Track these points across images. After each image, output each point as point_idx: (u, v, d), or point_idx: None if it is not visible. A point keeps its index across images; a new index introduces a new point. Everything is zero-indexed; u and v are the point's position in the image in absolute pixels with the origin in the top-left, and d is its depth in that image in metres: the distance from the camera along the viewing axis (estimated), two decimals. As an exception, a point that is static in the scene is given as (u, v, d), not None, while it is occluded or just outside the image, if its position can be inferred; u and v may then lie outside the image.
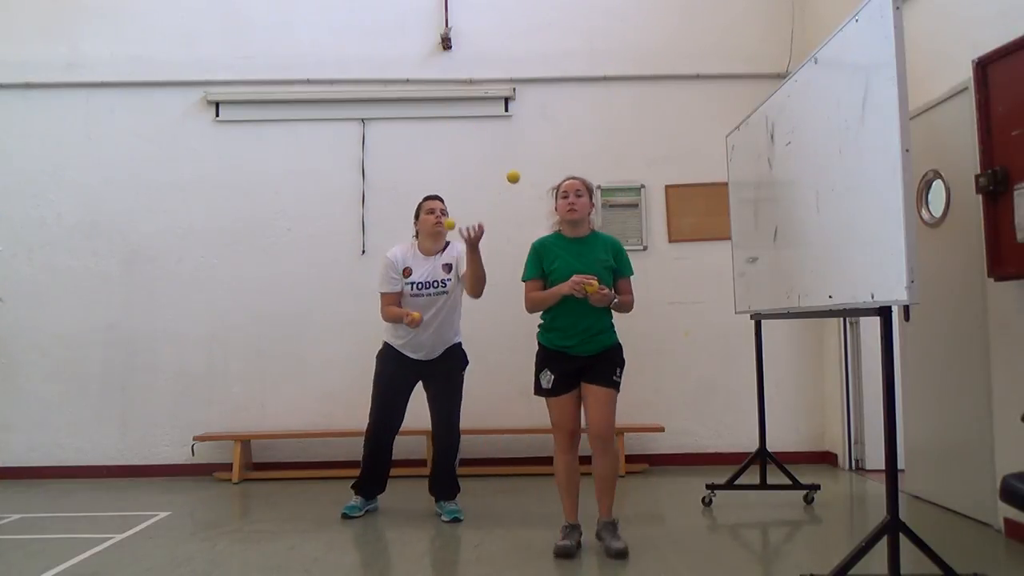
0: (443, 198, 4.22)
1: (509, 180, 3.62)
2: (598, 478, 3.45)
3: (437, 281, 4.05)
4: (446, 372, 4.15)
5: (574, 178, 3.62)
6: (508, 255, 5.50)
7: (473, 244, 3.72)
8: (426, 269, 4.06)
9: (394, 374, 4.13)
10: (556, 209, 3.60)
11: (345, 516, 4.06)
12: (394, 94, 5.67)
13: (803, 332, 5.53)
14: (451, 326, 4.15)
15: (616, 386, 3.45)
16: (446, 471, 4.15)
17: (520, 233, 5.53)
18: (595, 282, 3.28)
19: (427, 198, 4.19)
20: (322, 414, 5.47)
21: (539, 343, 3.56)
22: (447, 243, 4.16)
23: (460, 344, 4.24)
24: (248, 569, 3.30)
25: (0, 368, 5.53)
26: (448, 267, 4.07)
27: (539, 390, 3.52)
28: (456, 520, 4.01)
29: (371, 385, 4.20)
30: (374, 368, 4.20)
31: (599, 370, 3.43)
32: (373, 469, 4.16)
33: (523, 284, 3.58)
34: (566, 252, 3.50)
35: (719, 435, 5.49)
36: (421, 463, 5.19)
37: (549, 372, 3.46)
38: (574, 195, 3.51)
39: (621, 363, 3.51)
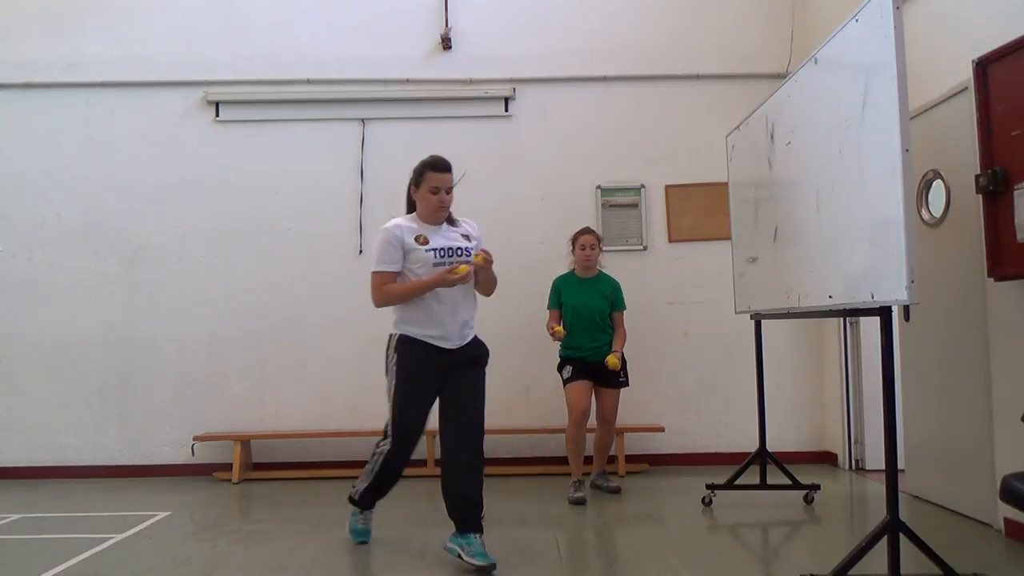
0: (452, 168, 3.39)
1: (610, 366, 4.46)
2: (597, 446, 4.73)
3: (461, 248, 3.34)
4: (472, 363, 3.39)
5: (589, 233, 4.70)
6: (508, 256, 5.52)
7: (487, 270, 3.39)
8: (443, 236, 3.35)
9: (422, 376, 3.30)
10: (574, 254, 4.69)
11: (362, 543, 3.60)
12: (394, 94, 5.67)
13: (803, 332, 5.53)
14: (474, 304, 3.48)
15: (622, 385, 4.64)
16: (478, 487, 3.28)
17: (520, 234, 5.58)
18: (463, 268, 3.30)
19: (433, 168, 3.32)
20: (322, 414, 5.47)
21: (560, 356, 4.67)
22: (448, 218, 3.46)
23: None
24: (248, 569, 3.30)
25: (0, 368, 5.54)
26: (467, 237, 3.42)
27: (564, 381, 4.58)
28: (491, 567, 3.12)
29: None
30: (391, 370, 3.34)
31: (607, 375, 4.56)
32: (382, 485, 3.53)
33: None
34: (578, 288, 4.64)
35: (719, 435, 5.49)
36: (421, 463, 5.18)
37: (569, 366, 4.55)
38: (589, 248, 4.63)
39: (624, 363, 4.63)
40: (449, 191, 3.36)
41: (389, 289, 3.30)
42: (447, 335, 3.32)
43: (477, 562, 3.08)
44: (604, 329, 4.61)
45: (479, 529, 3.21)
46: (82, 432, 5.50)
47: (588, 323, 4.57)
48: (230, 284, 5.58)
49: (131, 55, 5.67)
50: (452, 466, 3.28)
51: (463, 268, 3.19)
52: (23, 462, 5.46)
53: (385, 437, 3.42)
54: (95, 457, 5.48)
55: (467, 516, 3.21)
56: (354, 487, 3.60)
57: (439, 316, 3.30)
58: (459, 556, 3.16)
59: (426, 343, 3.31)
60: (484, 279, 3.43)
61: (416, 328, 3.32)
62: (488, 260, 3.30)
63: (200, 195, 5.62)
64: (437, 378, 3.32)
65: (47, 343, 5.53)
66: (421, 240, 3.30)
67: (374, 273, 3.32)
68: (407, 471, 5.10)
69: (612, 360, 4.47)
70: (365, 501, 3.60)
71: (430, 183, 3.32)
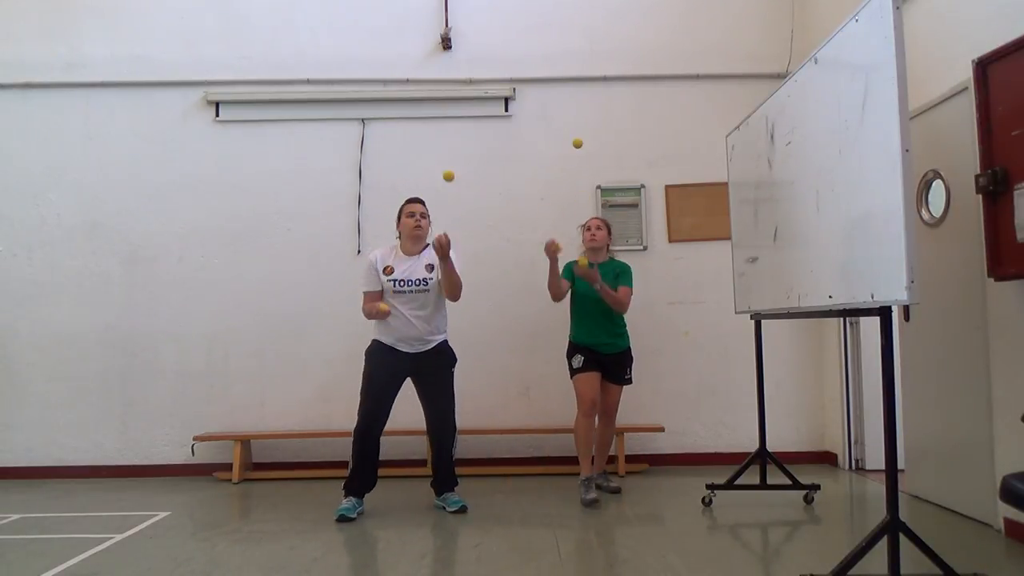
0: (424, 201, 4.34)
1: (445, 179, 4.28)
2: (598, 444, 4.65)
3: (418, 279, 4.19)
4: (436, 370, 4.26)
5: (596, 217, 4.82)
6: (508, 254, 5.55)
7: (443, 255, 4.03)
8: (407, 268, 4.20)
9: (384, 370, 4.18)
10: (583, 240, 4.66)
11: (343, 518, 4.01)
12: (394, 94, 5.67)
13: (803, 332, 5.53)
14: (436, 321, 4.27)
15: (627, 382, 4.66)
16: (445, 465, 4.30)
17: (519, 233, 5.58)
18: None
19: (408, 201, 4.33)
20: (322, 414, 5.46)
21: (571, 341, 4.58)
22: (427, 244, 4.27)
23: (447, 341, 4.34)
24: (248, 569, 3.30)
25: (0, 368, 5.53)
26: (430, 267, 4.22)
27: (572, 371, 4.51)
28: (462, 509, 4.18)
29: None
30: (364, 366, 4.24)
31: (615, 371, 4.58)
32: (364, 467, 4.17)
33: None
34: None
35: (719, 435, 5.49)
36: (421, 463, 5.19)
37: (580, 356, 4.47)
38: (595, 229, 4.62)
39: (631, 361, 4.67)
40: (423, 215, 4.25)
41: (368, 305, 4.20)
42: (408, 342, 4.20)
43: (452, 509, 4.20)
44: (614, 318, 4.52)
45: (451, 488, 4.30)
46: (82, 432, 5.50)
47: (596, 310, 4.47)
48: (230, 284, 5.58)
49: (131, 55, 5.67)
50: (431, 446, 4.37)
51: (383, 307, 4.09)
52: (23, 462, 5.46)
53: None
54: (95, 457, 5.48)
55: (443, 482, 4.31)
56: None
57: (399, 328, 4.18)
58: (443, 508, 4.24)
59: (391, 347, 4.20)
60: (444, 280, 4.13)
61: (384, 336, 4.23)
62: (444, 242, 3.94)
63: (200, 195, 5.62)
64: (401, 374, 4.23)
65: (47, 343, 5.53)
66: (387, 270, 4.21)
67: (363, 294, 4.24)
68: (408, 472, 5.16)
69: (582, 260, 4.30)
70: (352, 486, 4.18)
71: (406, 211, 4.30)
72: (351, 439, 4.17)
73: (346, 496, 4.17)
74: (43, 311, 5.55)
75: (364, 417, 4.13)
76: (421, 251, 4.27)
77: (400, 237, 4.32)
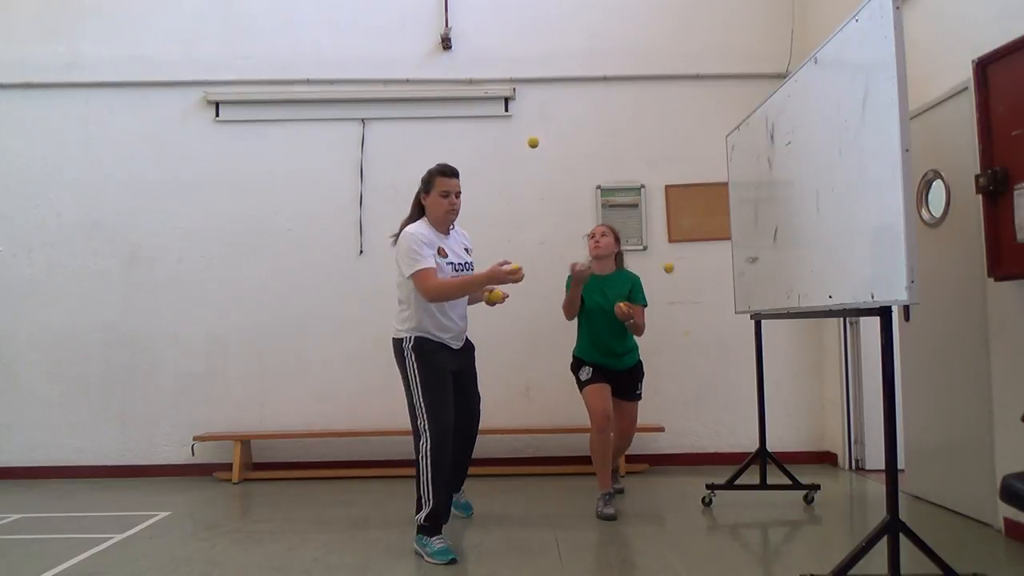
0: (459, 174, 3.67)
1: (530, 145, 4.11)
2: (615, 449, 4.41)
3: (467, 263, 3.72)
4: (469, 365, 3.85)
5: (602, 224, 4.58)
6: (507, 254, 5.48)
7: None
8: (454, 249, 3.66)
9: (443, 368, 3.55)
10: (589, 249, 4.38)
11: (452, 561, 3.28)
12: (394, 94, 5.67)
13: (803, 332, 5.53)
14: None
15: (639, 397, 4.41)
16: (468, 461, 3.98)
17: (519, 233, 5.58)
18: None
19: (441, 173, 3.61)
20: (322, 414, 5.47)
21: (576, 356, 4.33)
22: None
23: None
24: (248, 569, 3.30)
25: (0, 368, 5.53)
26: (468, 251, 3.79)
27: (580, 384, 4.24)
28: (469, 516, 4.10)
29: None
30: (412, 369, 3.51)
31: (625, 387, 4.33)
32: (439, 490, 3.40)
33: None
34: (594, 286, 4.24)
35: (719, 435, 5.49)
36: (421, 463, 5.18)
37: (588, 367, 4.21)
38: (599, 236, 4.32)
39: (642, 376, 4.42)
40: (458, 195, 3.63)
41: (442, 283, 3.49)
42: (456, 337, 3.69)
43: (466, 515, 4.07)
44: (625, 335, 4.28)
45: (458, 488, 4.01)
46: (82, 432, 5.50)
47: (606, 327, 4.21)
48: (230, 284, 5.58)
49: (131, 55, 5.67)
50: (459, 442, 3.70)
51: (517, 267, 3.42)
52: (23, 462, 5.46)
53: (419, 437, 3.46)
54: (95, 457, 5.48)
55: (461, 480, 3.99)
56: (417, 516, 3.43)
57: (450, 322, 3.63)
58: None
59: (440, 343, 3.60)
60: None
61: (434, 331, 3.58)
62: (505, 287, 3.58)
63: (200, 195, 5.62)
64: (451, 371, 3.61)
65: (47, 343, 5.53)
66: (441, 252, 3.57)
67: (421, 271, 3.45)
68: (408, 472, 5.12)
69: (621, 306, 4.03)
70: (433, 524, 3.40)
71: (440, 188, 3.59)
72: (422, 454, 3.40)
73: (430, 536, 3.38)
74: (43, 311, 5.55)
75: (438, 428, 3.42)
76: (450, 229, 3.72)
77: (425, 212, 3.66)
